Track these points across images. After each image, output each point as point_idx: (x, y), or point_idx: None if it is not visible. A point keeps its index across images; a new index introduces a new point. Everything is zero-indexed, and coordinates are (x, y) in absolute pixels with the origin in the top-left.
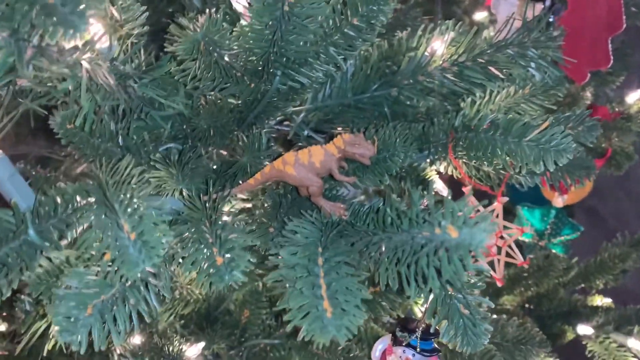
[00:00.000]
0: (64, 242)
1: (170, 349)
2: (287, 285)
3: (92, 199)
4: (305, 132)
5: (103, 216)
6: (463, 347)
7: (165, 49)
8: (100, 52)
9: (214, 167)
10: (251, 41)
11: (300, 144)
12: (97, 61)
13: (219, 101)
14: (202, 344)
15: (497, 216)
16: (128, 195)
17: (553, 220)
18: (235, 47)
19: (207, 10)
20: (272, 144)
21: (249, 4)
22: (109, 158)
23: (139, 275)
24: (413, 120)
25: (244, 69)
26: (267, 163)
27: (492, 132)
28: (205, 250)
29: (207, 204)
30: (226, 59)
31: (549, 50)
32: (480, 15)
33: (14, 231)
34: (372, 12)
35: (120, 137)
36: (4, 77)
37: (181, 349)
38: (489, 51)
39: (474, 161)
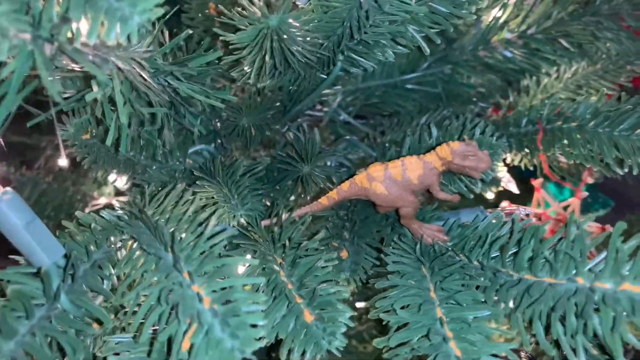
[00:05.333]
0: (99, 301)
1: None
2: (409, 354)
3: (138, 246)
4: (342, 117)
5: (164, 279)
6: None
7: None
8: (131, 43)
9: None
10: (326, 23)
11: (341, 133)
12: (134, 56)
13: (267, 93)
14: None
15: (573, 212)
16: (199, 251)
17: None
18: (308, 33)
19: None
20: (324, 146)
21: None
22: (129, 169)
23: None
24: (467, 101)
25: (312, 57)
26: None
27: (593, 124)
28: (288, 305)
29: (274, 234)
30: (295, 47)
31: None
32: None
33: (42, 303)
34: None
35: (144, 144)
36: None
37: None
38: (565, 20)
39: (565, 157)
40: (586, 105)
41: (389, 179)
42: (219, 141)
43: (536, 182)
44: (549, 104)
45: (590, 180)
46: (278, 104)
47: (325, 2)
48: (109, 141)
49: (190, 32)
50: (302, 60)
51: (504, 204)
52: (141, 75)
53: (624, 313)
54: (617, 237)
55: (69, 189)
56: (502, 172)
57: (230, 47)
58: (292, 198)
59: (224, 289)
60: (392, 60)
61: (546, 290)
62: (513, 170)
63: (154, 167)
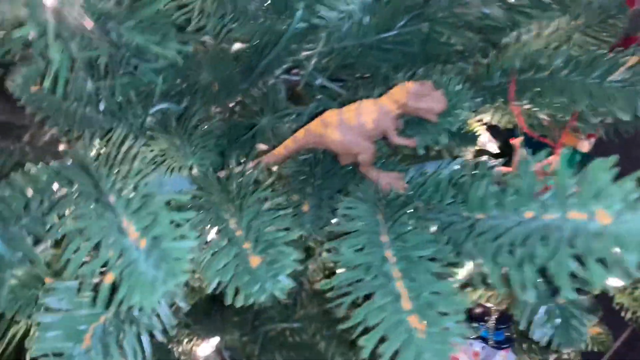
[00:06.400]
0: (41, 248)
1: (179, 349)
2: (354, 293)
3: (75, 188)
4: (319, 81)
5: (94, 215)
6: (560, 344)
7: None
8: None
9: (224, 131)
10: None
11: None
12: None
13: (222, 47)
14: (214, 341)
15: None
16: (129, 184)
17: (579, 166)
18: None
19: None
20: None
21: None
22: (87, 126)
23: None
24: (447, 60)
25: (262, 2)
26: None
27: (567, 72)
28: (234, 249)
29: (226, 183)
30: None
31: None
32: None
33: None
34: None
35: (101, 99)
36: None
37: (191, 348)
38: None
39: (537, 108)
40: (559, 54)
41: (344, 124)
42: (185, 99)
43: (515, 141)
44: (522, 54)
45: (585, 149)
46: (245, 58)
47: None
48: (46, 83)
49: None
50: (255, 7)
51: (484, 158)
52: (81, 18)
53: (566, 239)
54: (564, 166)
55: (44, 158)
56: (481, 131)
57: None
58: (255, 151)
59: (152, 224)
60: (357, 9)
61: (493, 225)
62: None
63: (114, 125)
